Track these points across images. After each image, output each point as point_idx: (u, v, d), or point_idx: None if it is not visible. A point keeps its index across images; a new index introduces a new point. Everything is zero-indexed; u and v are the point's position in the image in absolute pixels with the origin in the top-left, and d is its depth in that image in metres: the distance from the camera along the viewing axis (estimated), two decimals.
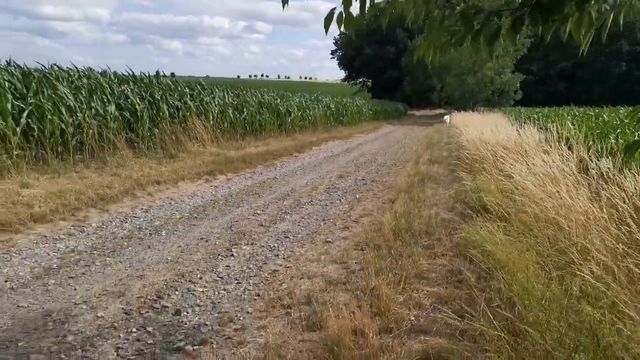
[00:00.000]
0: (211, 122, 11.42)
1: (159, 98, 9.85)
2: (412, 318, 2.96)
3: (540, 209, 3.73)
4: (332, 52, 78.97)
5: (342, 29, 1.90)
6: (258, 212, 6.09)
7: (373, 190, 7.79)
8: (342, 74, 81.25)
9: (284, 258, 4.36)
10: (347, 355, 2.44)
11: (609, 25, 1.86)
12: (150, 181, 7.17)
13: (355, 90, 74.32)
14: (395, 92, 63.94)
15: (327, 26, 1.91)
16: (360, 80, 78.78)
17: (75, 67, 9.31)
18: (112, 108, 8.49)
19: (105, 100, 8.53)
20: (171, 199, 6.69)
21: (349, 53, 72.24)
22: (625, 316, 2.43)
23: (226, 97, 13.49)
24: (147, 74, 10.92)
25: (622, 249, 2.94)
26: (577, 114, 13.55)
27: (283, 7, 1.89)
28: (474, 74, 35.26)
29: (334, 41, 76.86)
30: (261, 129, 14.63)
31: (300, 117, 17.89)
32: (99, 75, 9.66)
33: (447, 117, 26.49)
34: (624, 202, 3.34)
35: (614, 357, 2.07)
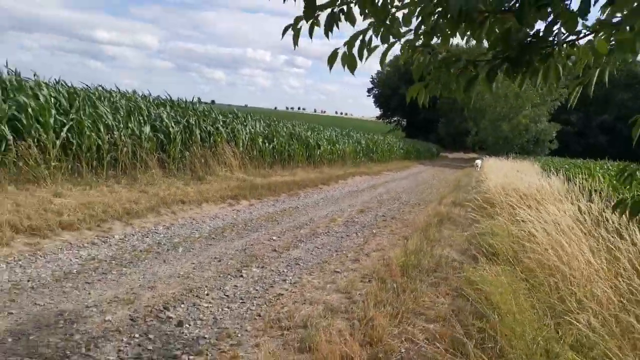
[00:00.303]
0: (240, 148, 11.81)
1: (192, 123, 10.33)
2: (403, 350, 3.01)
3: (545, 257, 3.74)
4: (369, 90, 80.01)
5: (345, 68, 2.08)
6: (274, 238, 6.25)
7: (391, 226, 7.83)
8: (376, 111, 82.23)
9: (290, 283, 4.47)
10: None
11: (594, 82, 1.99)
12: (175, 200, 7.47)
13: (390, 128, 74.86)
14: (429, 134, 63.95)
15: (330, 64, 2.08)
16: (395, 119, 79.37)
17: (118, 88, 9.97)
18: (147, 129, 8.96)
19: (141, 121, 9.04)
20: (193, 219, 6.95)
21: (386, 92, 73.17)
22: None
23: (257, 126, 13.94)
24: (184, 99, 11.52)
25: (620, 301, 2.93)
26: (610, 167, 13.28)
27: (295, 47, 2.08)
28: (509, 120, 35.08)
29: (371, 79, 78.22)
30: (290, 159, 14.96)
31: (329, 151, 18.19)
32: (139, 98, 10.27)
33: (478, 162, 26.26)
34: (629, 253, 3.33)
35: None
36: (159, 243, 5.46)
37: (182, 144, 9.88)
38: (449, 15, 1.66)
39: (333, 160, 18.74)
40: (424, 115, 65.53)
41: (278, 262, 5.16)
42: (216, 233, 6.25)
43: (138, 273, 4.34)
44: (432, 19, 1.70)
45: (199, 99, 12.80)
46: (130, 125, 8.70)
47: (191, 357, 2.87)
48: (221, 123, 11.68)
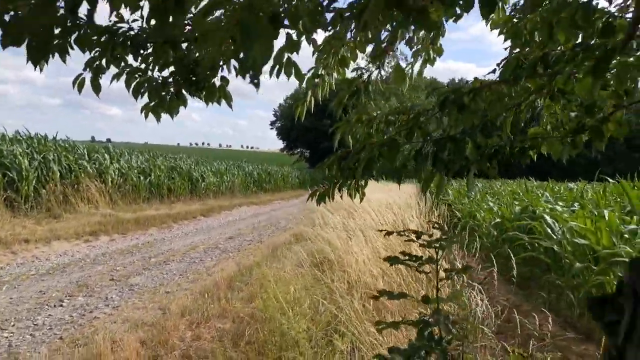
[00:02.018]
0: (109, 184, 11.50)
1: (51, 158, 9.93)
2: (184, 347, 3.28)
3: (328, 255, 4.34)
4: (272, 123, 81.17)
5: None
6: (118, 268, 6.23)
7: (252, 249, 8.14)
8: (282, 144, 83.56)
9: (113, 307, 4.55)
10: None
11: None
12: (17, 240, 7.12)
13: (294, 160, 76.36)
14: None
15: (79, 88, 2.36)
16: (298, 150, 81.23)
17: None
18: None
19: None
20: (36, 258, 6.67)
21: (287, 124, 74.88)
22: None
23: (134, 160, 13.69)
24: (43, 135, 11.07)
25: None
26: (463, 185, 14.97)
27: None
28: None
29: (273, 112, 79.66)
30: (170, 193, 14.78)
31: (215, 183, 18.23)
32: None
33: None
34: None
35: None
36: None
37: (38, 181, 9.42)
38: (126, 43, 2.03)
39: (220, 192, 18.78)
40: (325, 145, 67.86)
41: (111, 289, 5.19)
42: (56, 269, 6.08)
43: None
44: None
45: (92, 137, 12.38)
46: None
47: None
48: (86, 158, 11.33)
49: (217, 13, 1.24)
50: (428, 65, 2.46)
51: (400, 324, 1.75)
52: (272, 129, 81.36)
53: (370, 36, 1.46)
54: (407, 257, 1.62)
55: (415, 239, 1.67)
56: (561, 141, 1.33)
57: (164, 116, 2.35)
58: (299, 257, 6.53)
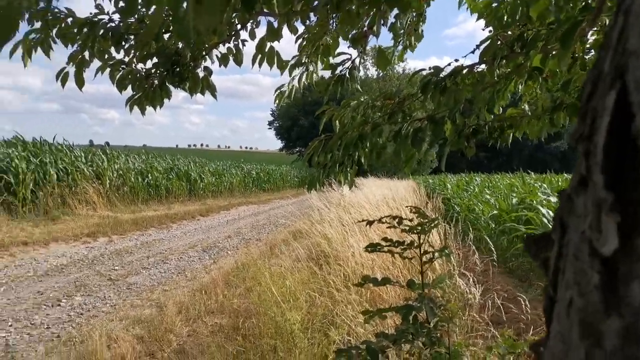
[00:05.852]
0: (107, 186, 11.52)
1: (47, 162, 9.95)
2: (180, 342, 3.29)
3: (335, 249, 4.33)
4: (270, 123, 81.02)
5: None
6: (116, 268, 6.24)
7: (250, 246, 8.15)
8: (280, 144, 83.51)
9: (111, 305, 4.56)
10: None
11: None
12: (15, 242, 7.13)
13: (294, 159, 76.33)
14: None
15: (64, 82, 2.37)
16: (298, 149, 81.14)
17: None
18: None
19: None
20: (34, 259, 6.67)
21: (286, 124, 74.74)
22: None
23: (130, 162, 13.70)
24: (39, 139, 11.09)
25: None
26: (462, 177, 15.02)
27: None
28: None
29: (271, 112, 79.51)
30: (168, 194, 14.80)
31: (214, 183, 18.24)
32: None
33: (344, 188, 27.76)
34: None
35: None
36: None
37: (35, 184, 9.44)
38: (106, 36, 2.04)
39: (219, 192, 18.79)
40: None
41: (109, 289, 5.19)
42: (55, 270, 6.08)
43: None
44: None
45: (90, 141, 12.42)
46: None
47: None
48: (83, 161, 11.35)
49: None
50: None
51: (386, 311, 1.75)
52: (270, 129, 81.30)
53: (348, 18, 1.46)
54: (388, 244, 1.63)
55: (396, 224, 1.68)
56: (539, 119, 1.34)
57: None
58: (296, 253, 6.54)
